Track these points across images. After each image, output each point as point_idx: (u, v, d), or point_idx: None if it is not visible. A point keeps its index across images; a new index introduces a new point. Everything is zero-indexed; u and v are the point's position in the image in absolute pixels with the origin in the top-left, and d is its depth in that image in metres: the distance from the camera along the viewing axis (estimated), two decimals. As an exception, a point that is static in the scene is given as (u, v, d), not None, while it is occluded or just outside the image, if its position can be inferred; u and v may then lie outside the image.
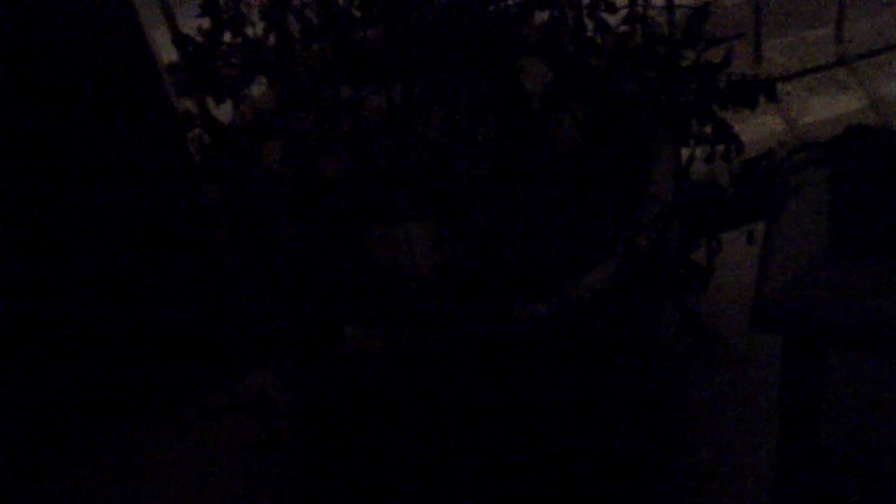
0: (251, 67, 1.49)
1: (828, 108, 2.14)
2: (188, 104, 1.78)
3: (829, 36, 2.25)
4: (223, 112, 1.66)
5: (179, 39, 1.48)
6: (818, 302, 1.32)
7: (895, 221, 1.36)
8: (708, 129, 1.54)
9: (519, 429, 1.53)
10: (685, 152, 1.57)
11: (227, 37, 1.49)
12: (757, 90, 1.50)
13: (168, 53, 1.68)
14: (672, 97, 1.53)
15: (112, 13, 1.55)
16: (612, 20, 1.52)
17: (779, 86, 1.55)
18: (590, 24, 1.52)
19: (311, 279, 1.44)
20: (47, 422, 1.91)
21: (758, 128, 2.12)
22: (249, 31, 1.49)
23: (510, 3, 1.53)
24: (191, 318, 1.88)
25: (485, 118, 1.49)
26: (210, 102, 1.71)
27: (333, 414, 1.57)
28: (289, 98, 1.53)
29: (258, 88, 1.61)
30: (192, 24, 1.50)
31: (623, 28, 1.51)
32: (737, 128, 1.55)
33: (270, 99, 1.62)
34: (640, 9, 1.50)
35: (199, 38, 1.49)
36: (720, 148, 1.55)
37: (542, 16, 1.58)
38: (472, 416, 1.47)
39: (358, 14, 1.51)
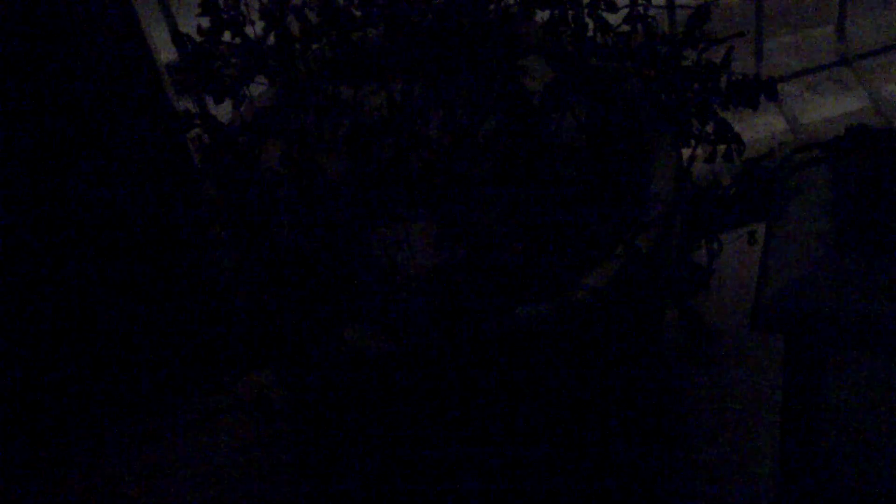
0: (251, 67, 1.49)
1: (829, 107, 2.14)
2: (188, 104, 1.78)
3: (831, 35, 2.24)
4: (223, 112, 1.65)
5: (179, 39, 1.48)
6: (818, 302, 1.32)
7: (895, 221, 1.35)
8: (709, 129, 1.54)
9: (519, 429, 1.52)
10: (686, 152, 1.57)
11: (227, 36, 1.48)
12: (758, 90, 1.50)
13: (168, 53, 1.67)
14: (673, 97, 1.53)
15: (112, 13, 1.55)
16: (612, 19, 1.51)
17: (780, 85, 1.55)
18: (590, 24, 1.52)
19: (311, 279, 1.44)
20: (47, 421, 1.91)
21: (759, 127, 2.11)
22: (249, 30, 1.49)
23: (510, 2, 1.52)
24: (191, 317, 1.88)
25: (485, 118, 1.49)
26: (210, 102, 1.71)
27: (333, 414, 1.57)
28: (289, 98, 1.53)
29: (258, 88, 1.61)
30: (192, 23, 1.50)
31: (624, 27, 1.51)
32: (738, 127, 1.54)
33: (270, 99, 1.62)
34: (640, 8, 1.50)
35: (198, 38, 1.49)
36: (721, 148, 1.55)
37: (542, 15, 1.57)
38: (473, 415, 1.47)
39: (358, 14, 1.50)
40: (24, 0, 1.50)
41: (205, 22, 1.47)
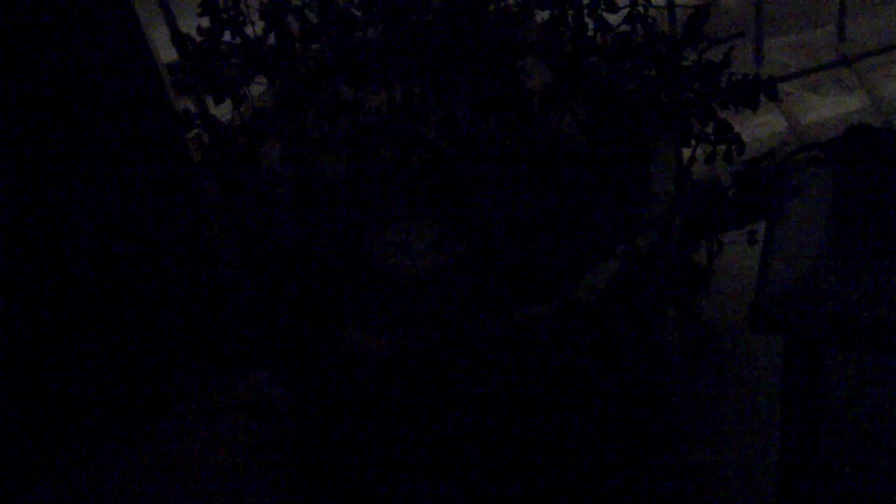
0: (251, 67, 1.49)
1: (829, 107, 2.14)
2: (188, 104, 1.78)
3: (831, 35, 2.24)
4: (223, 112, 1.66)
5: (179, 39, 1.48)
6: (818, 302, 1.32)
7: (895, 221, 1.36)
8: (709, 129, 1.54)
9: (520, 428, 1.52)
10: (686, 152, 1.57)
11: (226, 36, 1.48)
12: (758, 90, 1.50)
13: (168, 53, 1.67)
14: (673, 97, 1.53)
15: (112, 13, 1.55)
16: (612, 19, 1.51)
17: (780, 85, 1.55)
18: (590, 24, 1.51)
19: (311, 280, 1.44)
20: (47, 422, 1.91)
21: (759, 128, 2.11)
22: (249, 30, 1.49)
23: (510, 2, 1.52)
24: (191, 317, 1.88)
25: (485, 118, 1.49)
26: (210, 102, 1.71)
27: (333, 414, 1.57)
28: (289, 98, 1.53)
29: (258, 88, 1.61)
30: (193, 23, 1.50)
31: (624, 27, 1.51)
32: (738, 127, 1.54)
33: (270, 99, 1.62)
34: (640, 8, 1.50)
35: (198, 38, 1.48)
36: (721, 148, 1.55)
37: (542, 15, 1.57)
38: (472, 415, 1.47)
39: (358, 14, 1.50)
40: (24, 0, 1.50)
41: (205, 22, 1.47)
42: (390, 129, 1.49)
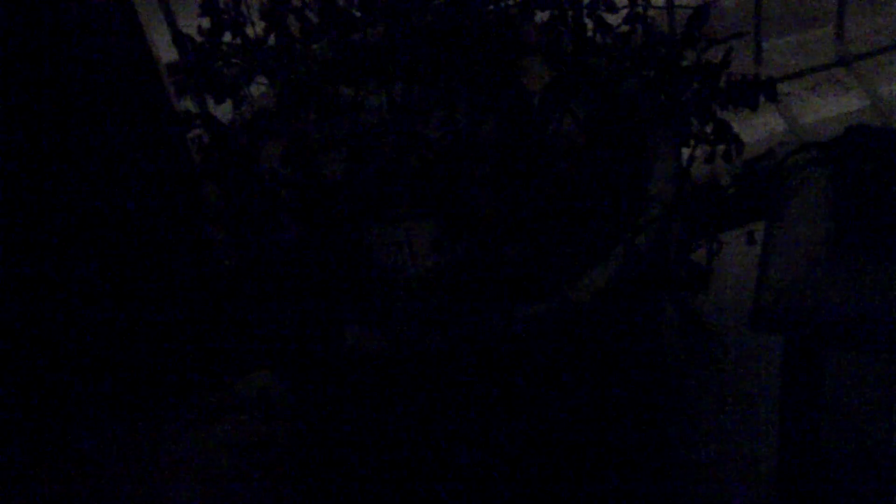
0: (251, 67, 1.49)
1: (828, 107, 2.14)
2: (188, 104, 1.78)
3: (830, 36, 2.24)
4: (223, 112, 1.66)
5: (179, 39, 1.48)
6: (818, 302, 1.32)
7: (895, 221, 1.36)
8: (708, 129, 1.54)
9: (519, 429, 1.53)
10: (685, 152, 1.57)
11: (227, 37, 1.49)
12: (757, 90, 1.50)
13: (168, 53, 1.68)
14: (672, 97, 1.53)
15: (112, 13, 1.55)
16: (612, 20, 1.52)
17: (779, 86, 1.55)
18: (590, 24, 1.52)
19: (312, 279, 1.44)
20: (48, 422, 1.91)
21: (758, 128, 2.11)
22: (249, 31, 1.49)
23: (510, 2, 1.53)
24: (191, 317, 1.88)
25: (485, 118, 1.49)
26: (210, 102, 1.71)
27: (333, 414, 1.57)
28: (289, 98, 1.53)
29: (258, 88, 1.61)
30: (193, 24, 1.50)
31: (623, 28, 1.52)
32: (737, 128, 1.55)
33: (270, 99, 1.62)
34: (640, 9, 1.50)
35: (199, 38, 1.49)
36: (720, 148, 1.55)
37: (542, 15, 1.57)
38: (472, 416, 1.47)
39: (358, 14, 1.51)
40: (25, 0, 1.50)
41: (205, 22, 1.48)
42: (390, 129, 1.49)
